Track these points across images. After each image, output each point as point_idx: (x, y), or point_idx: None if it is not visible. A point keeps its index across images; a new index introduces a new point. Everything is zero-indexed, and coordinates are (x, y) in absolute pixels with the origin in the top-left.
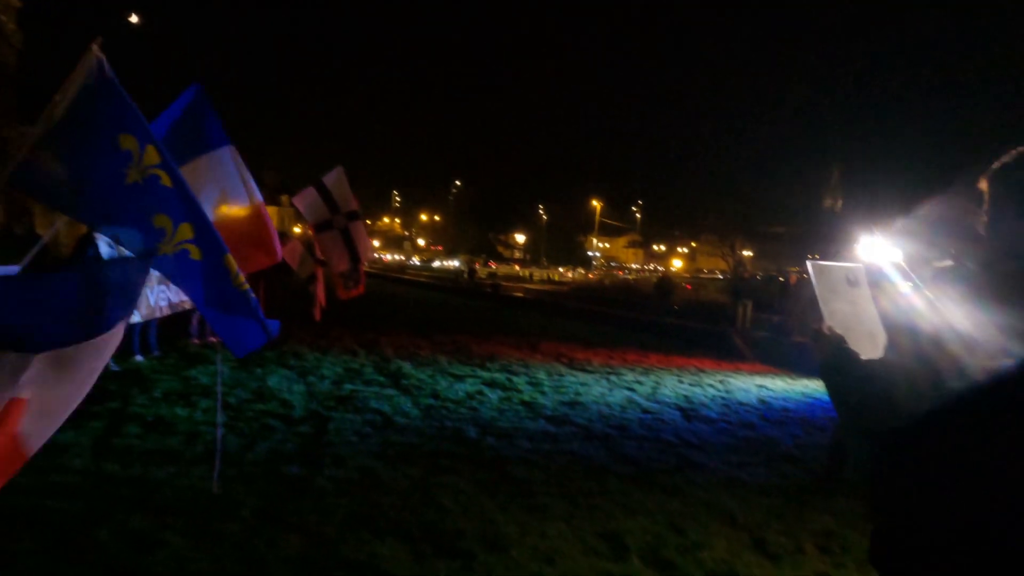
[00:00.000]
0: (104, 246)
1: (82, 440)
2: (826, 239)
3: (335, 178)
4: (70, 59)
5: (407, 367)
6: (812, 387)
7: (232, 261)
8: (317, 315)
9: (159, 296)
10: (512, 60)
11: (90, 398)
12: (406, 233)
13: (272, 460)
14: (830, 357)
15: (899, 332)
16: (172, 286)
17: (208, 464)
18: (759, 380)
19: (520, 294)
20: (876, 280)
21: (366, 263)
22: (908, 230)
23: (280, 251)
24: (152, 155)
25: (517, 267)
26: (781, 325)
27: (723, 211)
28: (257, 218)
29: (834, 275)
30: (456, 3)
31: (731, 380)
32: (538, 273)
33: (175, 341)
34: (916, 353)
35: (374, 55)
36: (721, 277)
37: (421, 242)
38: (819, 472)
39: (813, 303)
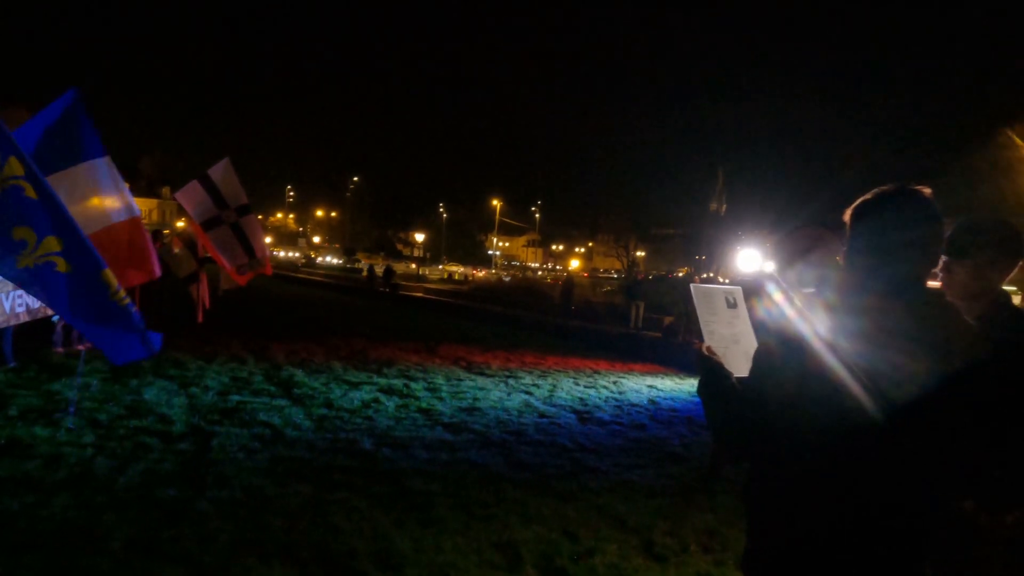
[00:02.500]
0: None
1: None
2: (712, 241)
3: (222, 170)
4: None
5: (299, 375)
6: None
7: (110, 276)
8: (200, 317)
9: (15, 302)
10: (412, 56)
11: None
12: (300, 229)
13: (147, 483)
14: (706, 376)
15: (771, 337)
16: None
17: (72, 491)
18: (650, 380)
19: (419, 294)
20: (754, 289)
21: (264, 257)
22: (777, 252)
23: (157, 267)
24: (15, 166)
25: (414, 265)
26: (671, 325)
27: (618, 212)
28: (134, 233)
29: (715, 298)
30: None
31: (624, 381)
32: (436, 272)
33: (35, 352)
34: (784, 356)
35: (267, 37)
36: (616, 277)
37: (316, 239)
38: (703, 471)
39: (694, 324)
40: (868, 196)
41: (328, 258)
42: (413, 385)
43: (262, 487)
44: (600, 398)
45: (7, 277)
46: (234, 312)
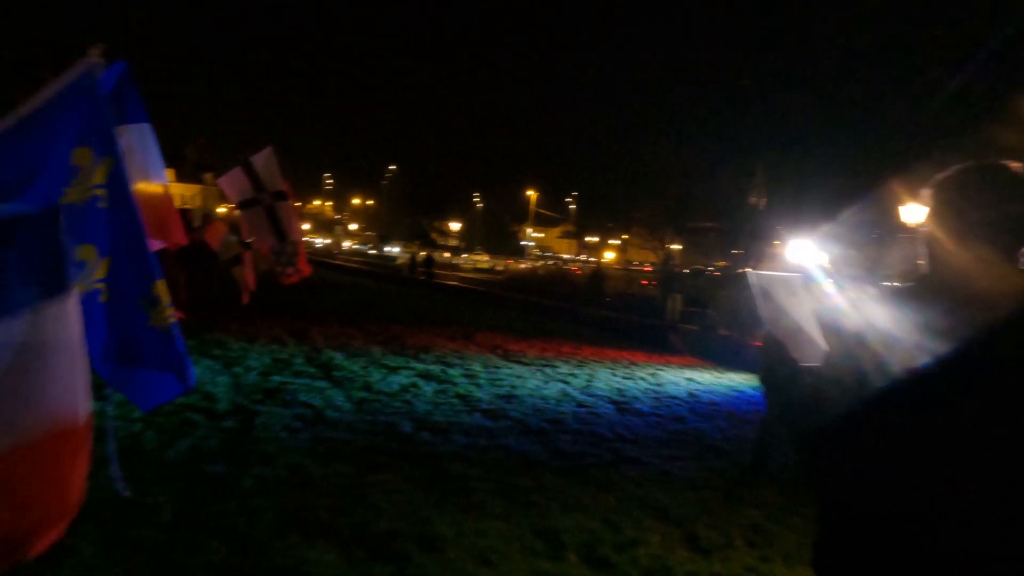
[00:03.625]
0: None
1: None
2: (751, 235)
3: (264, 158)
4: None
5: (339, 358)
6: (738, 381)
7: (162, 289)
8: (246, 298)
9: None
10: (452, 46)
11: None
12: (337, 217)
13: (193, 459)
14: (771, 364)
15: (825, 331)
16: None
17: (122, 463)
18: (688, 373)
19: (454, 282)
20: (804, 282)
21: (299, 243)
22: (834, 235)
23: (182, 234)
24: (101, 173)
25: (447, 254)
26: (709, 319)
27: (653, 205)
28: (168, 199)
29: (776, 285)
30: None
31: (662, 373)
32: (468, 262)
33: None
34: (841, 351)
35: (309, 29)
36: (651, 269)
37: (353, 226)
38: (746, 465)
39: (753, 312)
40: (948, 173)
41: (355, 245)
42: (451, 371)
43: (304, 466)
44: (638, 389)
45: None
46: (274, 296)
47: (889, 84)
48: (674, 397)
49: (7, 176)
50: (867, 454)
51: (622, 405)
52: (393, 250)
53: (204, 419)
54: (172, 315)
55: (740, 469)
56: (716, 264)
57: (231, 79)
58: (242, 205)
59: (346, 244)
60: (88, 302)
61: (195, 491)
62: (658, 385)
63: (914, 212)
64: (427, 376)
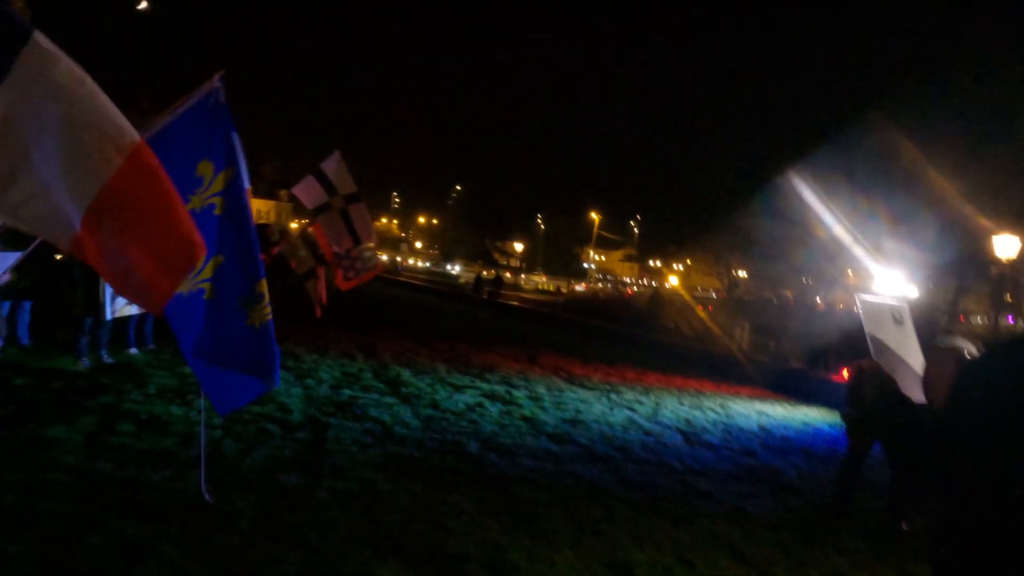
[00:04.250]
0: None
1: (74, 436)
2: (819, 265)
3: (334, 163)
4: (75, 46)
5: (406, 374)
6: (812, 416)
7: (264, 287)
8: (318, 312)
9: None
10: (522, 68)
11: (82, 391)
12: (403, 235)
13: (270, 467)
14: (880, 398)
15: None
16: None
17: (205, 468)
18: (758, 405)
19: (515, 303)
20: (906, 311)
21: (372, 244)
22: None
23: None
24: (219, 182)
25: (508, 274)
26: (779, 349)
27: (719, 231)
28: None
29: (881, 312)
30: (463, 10)
31: (731, 404)
32: (531, 282)
33: (169, 334)
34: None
35: (377, 53)
36: (715, 296)
37: (419, 244)
38: (825, 506)
39: (854, 340)
40: None
41: (422, 262)
42: (515, 393)
43: (375, 481)
44: (707, 420)
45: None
46: (343, 310)
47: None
48: (744, 430)
49: None
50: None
51: (691, 436)
52: (454, 268)
53: (279, 429)
54: (269, 313)
55: (819, 510)
56: (784, 293)
57: (302, 98)
58: (317, 211)
59: (410, 261)
60: (193, 300)
61: (271, 500)
62: (727, 416)
63: (1007, 244)
64: (492, 396)
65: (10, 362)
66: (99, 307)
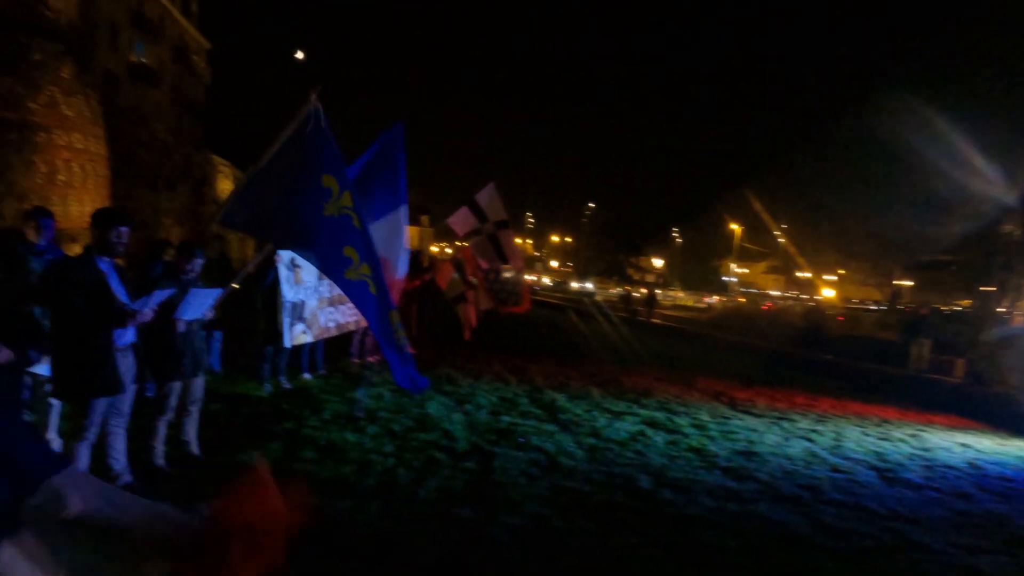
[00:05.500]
0: (283, 269)
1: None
2: (1005, 269)
3: (488, 194)
4: (246, 94)
5: (561, 399)
6: None
7: (396, 317)
8: (467, 335)
9: (328, 317)
10: (654, 84)
11: (268, 417)
12: (537, 254)
13: (443, 499)
14: None
15: None
16: (339, 308)
17: (382, 499)
18: (959, 436)
19: (657, 320)
20: None
21: (519, 268)
22: None
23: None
24: (347, 198)
25: (643, 290)
26: (975, 370)
27: (876, 237)
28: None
29: None
30: (595, 30)
31: (925, 435)
32: (669, 298)
33: (337, 360)
34: None
35: (510, 78)
36: (875, 308)
37: (554, 263)
38: None
39: None
40: None
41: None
42: (677, 420)
43: (548, 518)
44: (901, 454)
45: (337, 282)
46: (488, 331)
47: None
48: (951, 467)
49: (274, 202)
50: None
51: (886, 473)
52: (587, 286)
53: (447, 458)
54: (405, 340)
55: None
56: (957, 303)
57: (444, 126)
58: (467, 236)
59: (545, 280)
60: (360, 288)
61: (449, 535)
62: (925, 450)
63: None
64: (653, 424)
65: (207, 388)
66: (279, 335)
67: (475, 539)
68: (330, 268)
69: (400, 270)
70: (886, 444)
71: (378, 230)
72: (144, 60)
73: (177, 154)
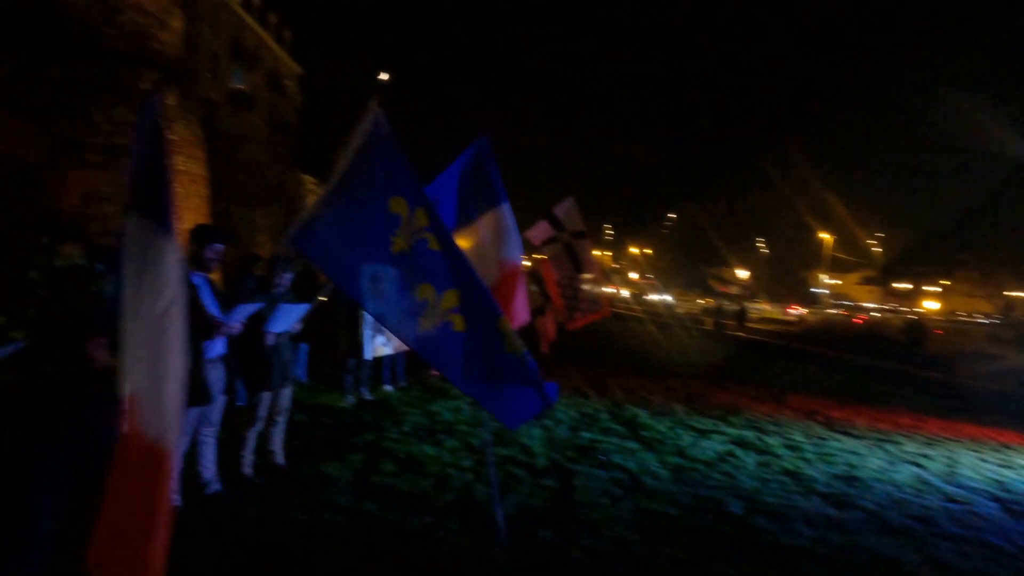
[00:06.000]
0: (366, 282)
1: (345, 474)
2: None
3: (566, 208)
4: (337, 116)
5: (643, 416)
6: None
7: (507, 324)
8: (544, 347)
9: None
10: (731, 91)
11: (349, 428)
12: (615, 266)
13: (523, 518)
14: None
15: None
16: None
17: (460, 515)
18: None
19: (742, 333)
20: None
21: (595, 276)
22: None
23: (527, 314)
24: (421, 217)
25: (727, 302)
26: None
27: (985, 245)
28: (518, 278)
29: None
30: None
31: None
32: (755, 310)
33: (417, 372)
34: None
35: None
36: (984, 321)
37: (633, 275)
38: None
39: None
40: None
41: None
42: (768, 440)
43: (631, 543)
44: None
45: (406, 342)
46: (566, 343)
47: None
48: None
49: (338, 234)
50: None
51: (1011, 504)
52: (667, 298)
53: (526, 475)
54: (522, 344)
55: None
56: None
57: (523, 140)
58: (544, 244)
59: (624, 292)
60: (441, 332)
61: (530, 558)
62: None
63: None
64: (743, 444)
65: (293, 399)
66: (360, 348)
67: (555, 562)
68: (398, 325)
69: (515, 256)
70: (1008, 472)
71: (476, 231)
72: (241, 87)
73: (271, 174)
